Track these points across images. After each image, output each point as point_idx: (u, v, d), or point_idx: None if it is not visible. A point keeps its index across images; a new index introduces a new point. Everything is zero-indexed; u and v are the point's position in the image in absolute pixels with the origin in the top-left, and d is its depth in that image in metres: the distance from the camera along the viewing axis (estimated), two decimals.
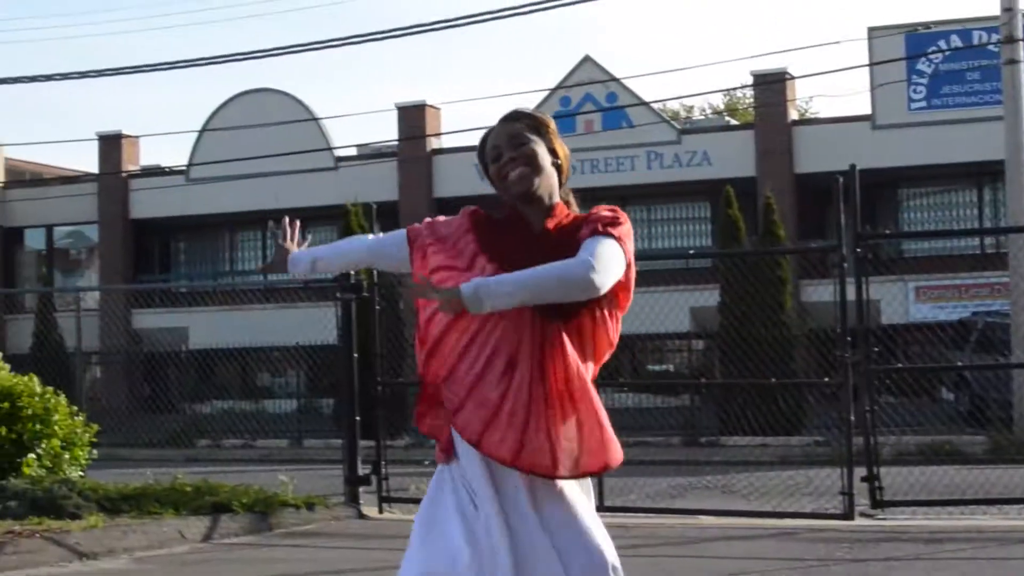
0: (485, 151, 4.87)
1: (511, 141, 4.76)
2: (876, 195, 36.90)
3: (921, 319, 33.48)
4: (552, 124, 4.88)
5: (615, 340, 4.72)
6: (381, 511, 14.19)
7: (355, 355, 14.27)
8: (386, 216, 40.36)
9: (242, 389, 37.46)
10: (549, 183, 4.77)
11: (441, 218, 4.96)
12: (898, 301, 33.23)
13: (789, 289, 29.78)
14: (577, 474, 4.55)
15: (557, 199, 4.80)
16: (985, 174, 36.18)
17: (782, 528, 12.28)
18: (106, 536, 11.32)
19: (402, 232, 4.98)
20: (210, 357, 32.20)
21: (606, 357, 4.75)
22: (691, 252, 36.56)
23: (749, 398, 26.06)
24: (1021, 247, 24.88)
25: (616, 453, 4.61)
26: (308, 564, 10.44)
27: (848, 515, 12.44)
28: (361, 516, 13.94)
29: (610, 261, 4.54)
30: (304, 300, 39.97)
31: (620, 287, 4.65)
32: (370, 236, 5.18)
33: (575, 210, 4.87)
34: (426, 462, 24.45)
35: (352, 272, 14.37)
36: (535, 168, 4.73)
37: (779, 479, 16.03)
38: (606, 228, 4.62)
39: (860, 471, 12.73)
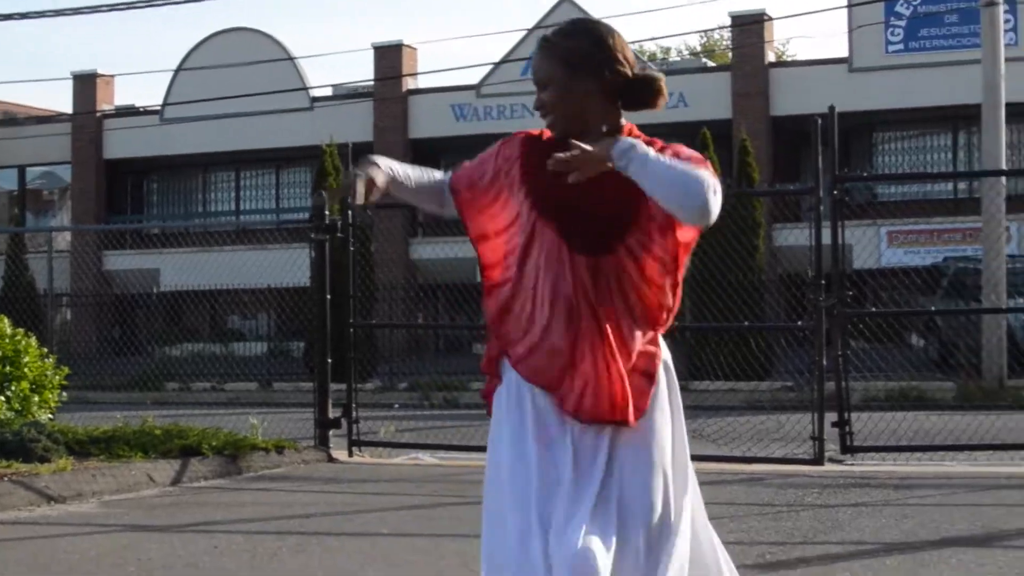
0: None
1: (538, 84, 4.44)
2: (851, 138, 36.91)
3: (894, 264, 33.54)
4: (589, 41, 4.41)
5: (670, 304, 4.40)
6: (351, 454, 14.16)
7: (328, 296, 14.18)
8: (362, 157, 40.20)
9: (212, 331, 37.38)
10: (583, 117, 4.39)
11: (487, 156, 4.61)
12: (871, 246, 33.23)
13: (762, 233, 29.80)
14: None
15: (611, 125, 4.42)
16: (960, 118, 36.18)
17: (751, 473, 12.28)
18: (75, 479, 11.25)
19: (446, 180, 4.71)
20: (181, 299, 32.12)
21: (663, 322, 4.42)
22: None
23: (720, 343, 26.06)
24: (994, 193, 24.90)
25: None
26: (276, 508, 10.39)
27: (818, 460, 12.45)
28: (331, 459, 13.90)
29: (718, 194, 4.10)
30: (276, 242, 39.86)
31: (684, 246, 4.35)
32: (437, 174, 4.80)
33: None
34: (395, 405, 24.58)
35: (327, 212, 14.27)
36: (556, 115, 4.41)
37: (749, 424, 16.00)
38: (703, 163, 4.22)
39: (831, 416, 12.72)
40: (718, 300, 24.56)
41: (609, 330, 4.30)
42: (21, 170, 44.85)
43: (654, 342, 4.41)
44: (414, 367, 31.68)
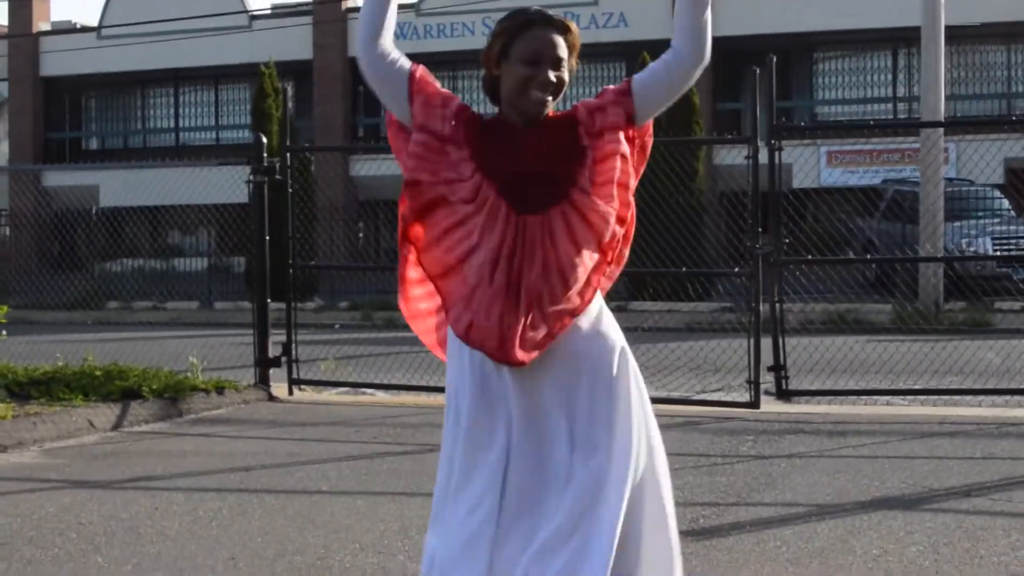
0: (514, 43, 4.69)
1: (554, 61, 4.68)
2: (792, 60, 36.93)
3: (832, 184, 33.73)
4: (578, 40, 4.82)
5: (619, 245, 4.84)
6: (291, 392, 14.23)
7: (267, 238, 14.19)
8: (300, 75, 40.09)
9: (152, 248, 37.21)
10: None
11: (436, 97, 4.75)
12: (810, 165, 33.32)
13: (702, 155, 29.90)
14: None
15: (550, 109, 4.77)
16: (900, 39, 36.25)
17: (689, 416, 12.41)
18: (15, 428, 11.28)
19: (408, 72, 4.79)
20: (121, 216, 31.91)
21: (595, 283, 4.78)
22: None
23: (660, 264, 26.17)
24: (932, 113, 25.06)
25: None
26: (218, 459, 10.44)
27: (754, 404, 12.60)
28: (271, 398, 13.97)
29: None
30: (216, 158, 39.63)
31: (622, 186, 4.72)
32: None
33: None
34: (336, 325, 24.64)
35: (265, 154, 14.23)
36: (553, 98, 4.70)
37: (690, 352, 16.14)
38: None
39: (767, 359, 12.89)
40: (658, 222, 24.60)
41: (524, 286, 4.63)
42: None
43: (579, 303, 4.73)
44: (355, 285, 31.69)
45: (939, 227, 24.52)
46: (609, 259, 4.81)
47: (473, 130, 4.68)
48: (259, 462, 10.26)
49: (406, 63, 4.76)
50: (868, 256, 25.45)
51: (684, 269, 20.11)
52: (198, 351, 17.60)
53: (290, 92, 40.12)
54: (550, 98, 4.68)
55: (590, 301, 4.77)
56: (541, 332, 4.67)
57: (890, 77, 37.62)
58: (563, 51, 4.69)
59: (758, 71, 13.04)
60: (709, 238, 28.30)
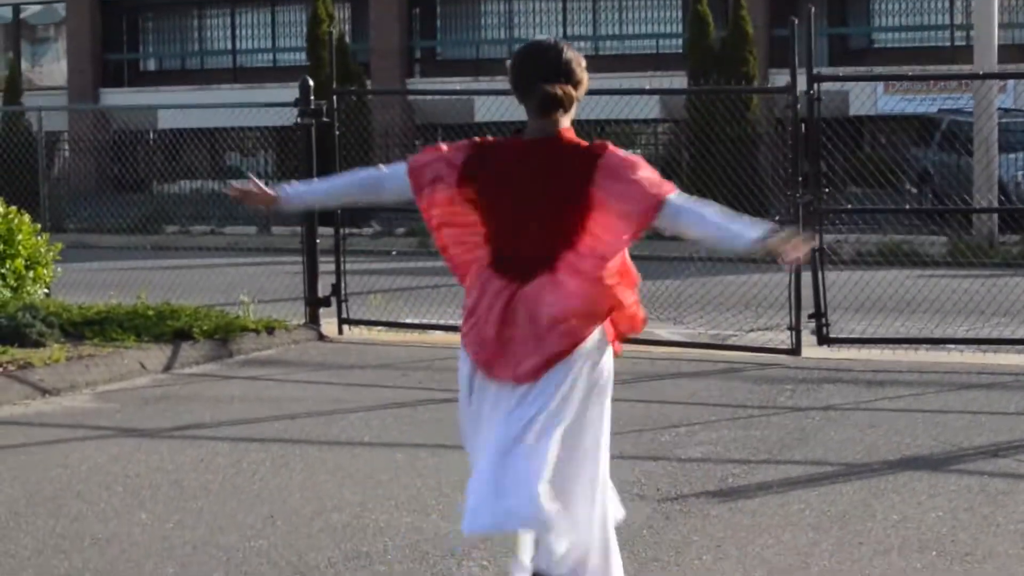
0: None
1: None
2: None
3: (888, 111, 33.55)
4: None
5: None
6: (341, 332, 14.46)
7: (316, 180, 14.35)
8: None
9: (212, 170, 37.46)
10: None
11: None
12: (866, 93, 33.14)
13: (757, 81, 29.85)
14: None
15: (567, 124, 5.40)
16: None
17: (731, 362, 12.57)
18: (68, 371, 11.55)
19: (403, 171, 5.54)
20: (180, 137, 32.12)
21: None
22: (647, 89, 36.27)
23: (715, 187, 26.17)
24: (985, 45, 24.95)
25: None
26: (264, 406, 10.68)
27: (795, 350, 12.73)
28: (321, 338, 14.20)
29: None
30: (273, 80, 39.81)
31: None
32: (365, 172, 5.86)
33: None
34: (393, 252, 24.82)
35: (312, 97, 14.40)
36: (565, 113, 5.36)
37: (734, 289, 16.14)
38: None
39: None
40: (714, 150, 24.57)
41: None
42: (15, 8, 44.52)
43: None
44: (413, 211, 31.71)
45: (993, 160, 24.46)
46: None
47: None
48: (305, 409, 10.50)
49: (393, 176, 5.62)
50: (913, 200, 25.31)
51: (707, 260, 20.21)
52: (252, 282, 17.93)
53: (346, 15, 40.22)
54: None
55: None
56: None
57: (947, 4, 37.26)
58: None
59: (795, 20, 13.06)
60: (766, 167, 28.23)
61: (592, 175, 5.23)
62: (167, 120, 36.50)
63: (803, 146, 12.93)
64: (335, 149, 14.54)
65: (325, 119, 14.42)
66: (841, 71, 31.00)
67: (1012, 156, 26.66)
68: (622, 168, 5.23)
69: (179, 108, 30.44)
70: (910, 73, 28.15)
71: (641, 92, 23.12)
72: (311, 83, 14.56)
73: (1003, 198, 25.27)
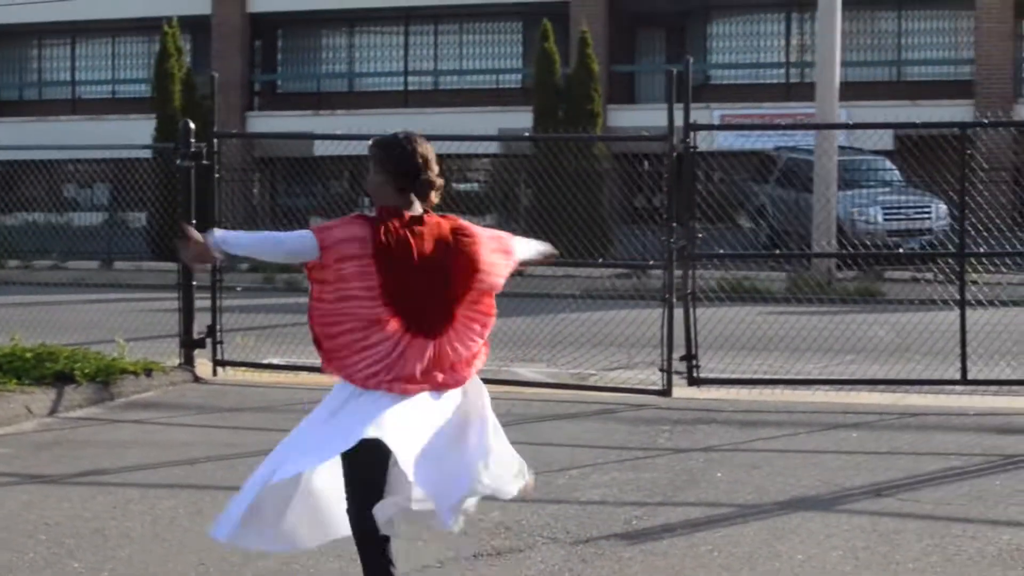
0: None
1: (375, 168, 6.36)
2: (688, 22, 37.58)
3: (727, 147, 34.38)
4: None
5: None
6: (215, 373, 14.65)
7: (194, 222, 14.54)
8: (198, 30, 40.06)
9: (49, 202, 37.11)
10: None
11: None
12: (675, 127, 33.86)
13: (600, 123, 30.46)
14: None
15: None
16: (794, 4, 36.93)
17: (603, 403, 12.98)
18: None
19: (310, 238, 6.17)
20: (16, 168, 31.84)
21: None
22: (500, 135, 36.66)
23: (556, 226, 26.65)
24: (826, 85, 25.78)
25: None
26: (159, 451, 10.85)
27: (666, 391, 13.19)
28: (196, 379, 14.37)
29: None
30: (113, 112, 39.63)
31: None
32: (270, 233, 6.51)
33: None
34: (238, 288, 24.87)
35: (192, 139, 14.57)
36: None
37: (591, 326, 16.55)
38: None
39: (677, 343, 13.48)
40: (556, 188, 25.03)
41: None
42: None
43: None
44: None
45: (832, 199, 25.31)
46: (483, 342, 6.50)
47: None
48: (202, 454, 10.68)
49: (297, 239, 6.26)
50: (776, 250, 25.98)
51: (601, 260, 20.65)
52: (112, 320, 18.01)
53: (187, 47, 40.12)
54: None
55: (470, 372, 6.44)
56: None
57: (783, 42, 38.30)
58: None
59: (675, 71, 13.57)
60: (604, 204, 28.81)
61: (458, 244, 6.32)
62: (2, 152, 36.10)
63: (676, 192, 13.44)
64: (215, 191, 14.71)
65: (205, 162, 14.58)
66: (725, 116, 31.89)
67: (848, 193, 27.55)
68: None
69: (23, 147, 29.85)
70: (748, 106, 28.94)
71: (521, 139, 23.57)
72: (192, 126, 14.71)
73: (840, 235, 26.09)
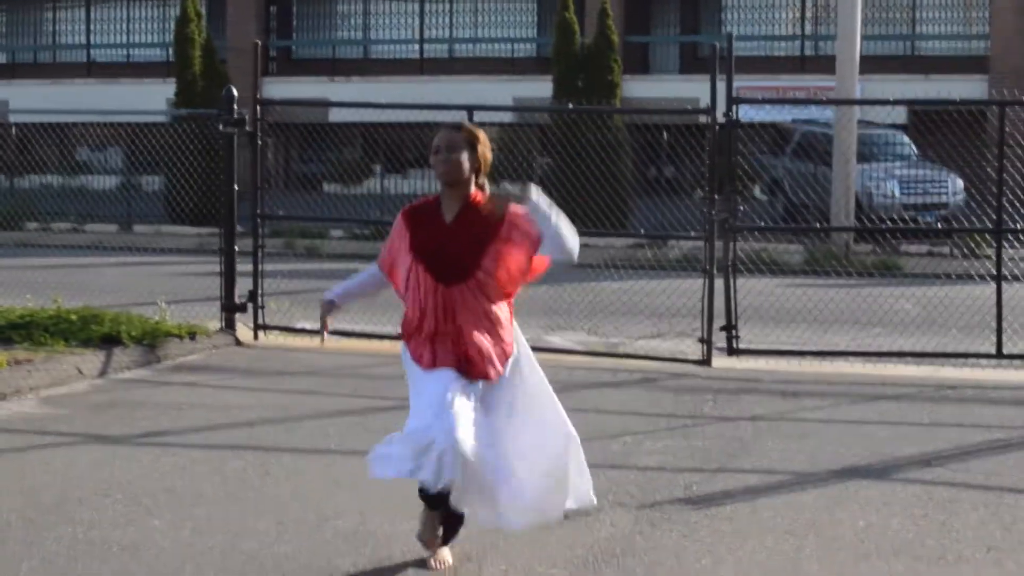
0: (434, 139, 6.87)
1: (448, 145, 6.82)
2: None
3: (742, 119, 34.45)
4: (483, 137, 6.92)
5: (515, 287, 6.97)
6: (256, 337, 14.85)
7: (235, 188, 14.74)
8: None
9: (63, 164, 37.27)
10: (466, 177, 6.87)
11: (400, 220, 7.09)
12: (719, 100, 34.00)
13: (619, 93, 30.59)
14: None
15: (472, 188, 6.92)
16: None
17: (645, 372, 13.19)
18: (12, 376, 11.82)
19: (393, 244, 7.08)
20: (31, 131, 32.00)
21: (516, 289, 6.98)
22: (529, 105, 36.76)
23: (574, 195, 26.86)
24: (847, 59, 25.93)
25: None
26: (216, 413, 11.04)
27: (706, 361, 13.39)
28: (238, 343, 14.58)
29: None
30: (128, 76, 39.74)
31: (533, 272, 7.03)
32: (370, 272, 7.35)
33: (486, 190, 6.97)
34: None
35: (235, 106, 14.72)
36: (457, 170, 6.83)
37: (622, 296, 16.73)
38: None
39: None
40: (577, 158, 25.21)
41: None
42: None
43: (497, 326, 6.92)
44: (268, 207, 31.85)
45: (851, 174, 25.47)
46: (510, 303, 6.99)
47: (411, 224, 6.95)
48: (258, 416, 10.88)
49: (375, 273, 7.25)
50: (811, 224, 25.97)
51: (643, 232, 20.85)
52: (141, 284, 18.22)
53: (203, 12, 40.24)
54: (450, 168, 6.82)
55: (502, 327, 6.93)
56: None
57: (798, 14, 38.38)
58: (456, 142, 6.82)
59: (717, 45, 13.74)
60: (626, 174, 28.94)
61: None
62: (17, 114, 36.27)
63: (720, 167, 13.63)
64: (257, 158, 14.89)
65: (248, 128, 14.75)
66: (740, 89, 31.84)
67: (864, 167, 27.69)
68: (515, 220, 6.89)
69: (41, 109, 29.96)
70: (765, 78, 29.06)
71: (557, 110, 23.77)
72: (235, 93, 14.87)
73: (857, 208, 26.26)
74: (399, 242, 6.97)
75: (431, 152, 6.83)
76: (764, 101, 18.30)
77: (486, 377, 6.89)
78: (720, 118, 13.79)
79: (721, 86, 13.76)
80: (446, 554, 7.11)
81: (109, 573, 6.95)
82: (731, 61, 13.75)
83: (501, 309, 6.92)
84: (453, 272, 6.80)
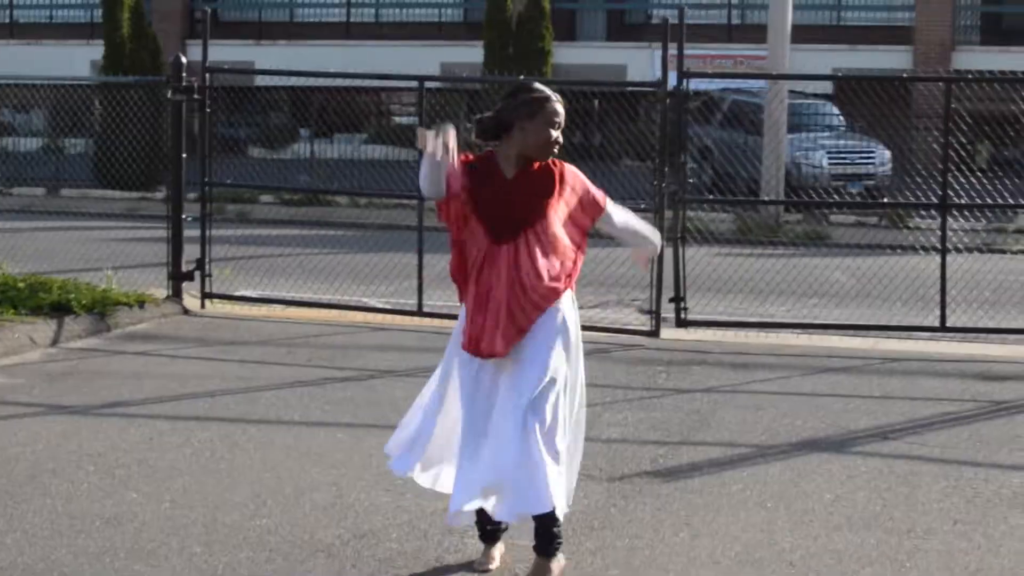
0: (542, 109, 6.62)
1: (559, 124, 6.69)
2: None
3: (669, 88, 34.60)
4: None
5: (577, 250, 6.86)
6: (203, 306, 14.86)
7: (183, 156, 14.73)
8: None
9: None
10: None
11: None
12: (645, 67, 34.14)
13: (550, 60, 30.66)
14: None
15: None
16: None
17: (593, 342, 13.28)
18: None
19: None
20: None
21: (576, 258, 6.84)
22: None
23: None
24: (778, 27, 26.13)
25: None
26: (175, 383, 11.07)
27: (654, 333, 13.54)
28: (185, 312, 14.59)
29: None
30: (51, 38, 39.33)
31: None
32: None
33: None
34: (187, 218, 25.00)
35: (184, 73, 14.70)
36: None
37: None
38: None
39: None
40: None
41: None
42: None
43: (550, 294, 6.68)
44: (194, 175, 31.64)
45: (781, 143, 25.70)
46: (570, 272, 6.78)
47: (471, 178, 6.65)
48: (217, 387, 10.93)
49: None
50: (693, 175, 26.05)
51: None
52: (73, 248, 18.17)
53: None
54: (555, 151, 6.75)
55: (555, 300, 6.68)
56: (512, 331, 6.60)
57: None
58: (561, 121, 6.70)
59: (668, 20, 13.87)
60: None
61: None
62: None
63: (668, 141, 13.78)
64: (205, 126, 14.87)
65: (196, 96, 14.73)
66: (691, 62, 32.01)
67: (793, 137, 27.90)
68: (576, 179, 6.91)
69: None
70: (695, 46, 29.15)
71: (506, 80, 23.65)
72: (184, 60, 14.85)
73: (786, 179, 26.49)
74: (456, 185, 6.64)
75: (545, 125, 6.61)
76: (715, 75, 18.31)
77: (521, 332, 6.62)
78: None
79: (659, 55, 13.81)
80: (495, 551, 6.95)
81: (95, 547, 6.99)
82: (682, 33, 13.84)
83: (562, 266, 6.72)
84: (511, 228, 6.60)
